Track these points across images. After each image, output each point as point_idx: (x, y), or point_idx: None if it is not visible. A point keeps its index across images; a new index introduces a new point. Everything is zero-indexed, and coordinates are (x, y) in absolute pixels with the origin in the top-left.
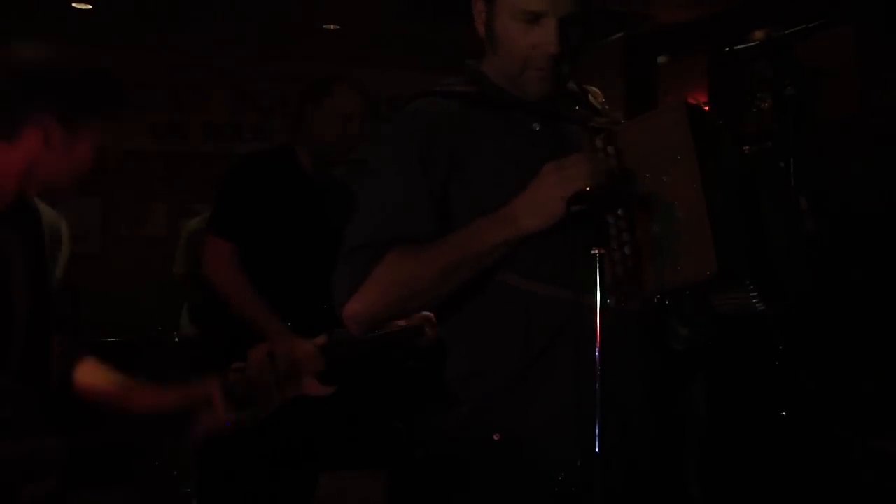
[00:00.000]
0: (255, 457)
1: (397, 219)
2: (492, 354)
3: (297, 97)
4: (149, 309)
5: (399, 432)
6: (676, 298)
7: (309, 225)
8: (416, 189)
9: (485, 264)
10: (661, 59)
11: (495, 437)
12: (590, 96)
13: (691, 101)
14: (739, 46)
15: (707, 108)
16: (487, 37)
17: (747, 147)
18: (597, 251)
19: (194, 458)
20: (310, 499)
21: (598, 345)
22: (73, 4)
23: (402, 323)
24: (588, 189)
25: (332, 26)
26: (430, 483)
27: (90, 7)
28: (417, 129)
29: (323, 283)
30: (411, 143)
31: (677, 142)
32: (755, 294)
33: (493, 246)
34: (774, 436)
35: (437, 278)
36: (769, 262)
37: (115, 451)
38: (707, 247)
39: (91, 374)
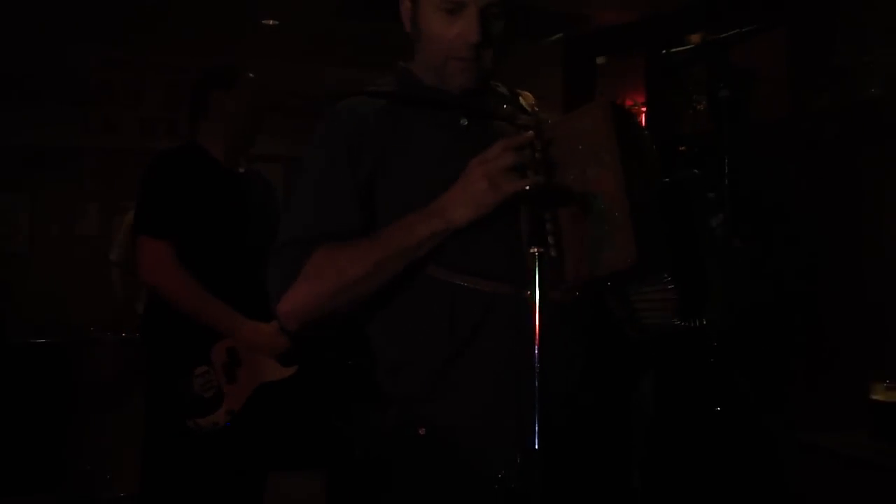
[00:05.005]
0: (207, 461)
1: (325, 215)
2: (416, 346)
3: (198, 88)
4: (80, 310)
5: (340, 432)
6: (597, 289)
7: (236, 214)
8: (343, 186)
9: (414, 258)
10: (599, 60)
11: (421, 432)
12: (521, 99)
13: (617, 102)
14: (676, 49)
15: (644, 108)
16: (413, 33)
17: (683, 147)
18: (535, 250)
19: (140, 460)
20: (259, 498)
21: (536, 342)
22: None
23: None
24: (528, 189)
25: (270, 22)
26: (368, 483)
27: None
28: (345, 126)
29: (261, 270)
30: (339, 140)
31: (601, 137)
32: (673, 290)
33: (422, 239)
34: (710, 431)
35: (367, 273)
36: (687, 265)
37: (44, 457)
38: (628, 236)
39: None
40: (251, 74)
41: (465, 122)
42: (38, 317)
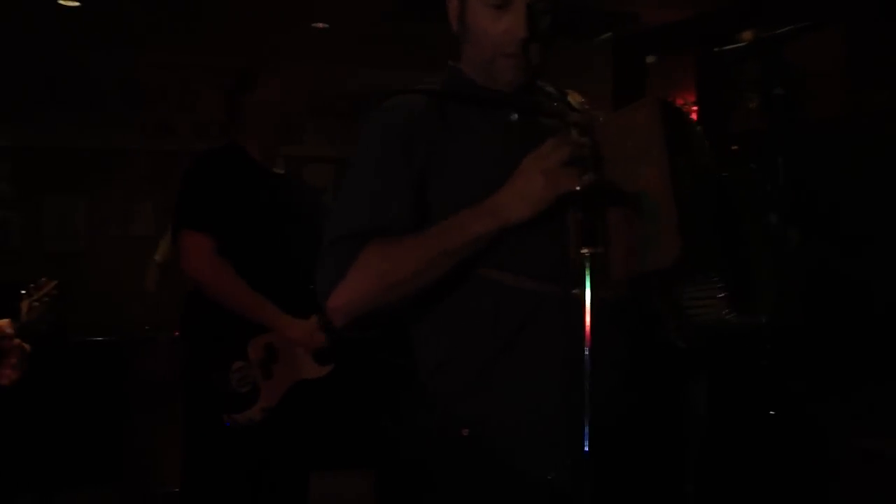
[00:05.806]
0: (245, 457)
1: (377, 209)
2: (460, 343)
3: (229, 91)
4: (135, 308)
5: (388, 431)
6: (644, 287)
7: (272, 213)
8: (395, 180)
9: (466, 255)
10: (649, 59)
11: (463, 433)
12: (569, 98)
13: (670, 100)
14: (728, 47)
15: (695, 107)
16: (460, 31)
17: (735, 147)
18: (587, 251)
19: (181, 459)
20: (303, 497)
21: (588, 342)
22: (61, 1)
23: None
24: (578, 189)
25: (320, 25)
26: (414, 483)
27: (78, 4)
28: (396, 121)
29: (301, 268)
30: (391, 135)
31: (649, 135)
32: (722, 290)
33: (476, 237)
34: (764, 434)
35: (418, 270)
36: (740, 264)
37: (103, 452)
38: (674, 234)
39: None
40: (278, 75)
41: (514, 116)
42: (95, 315)
